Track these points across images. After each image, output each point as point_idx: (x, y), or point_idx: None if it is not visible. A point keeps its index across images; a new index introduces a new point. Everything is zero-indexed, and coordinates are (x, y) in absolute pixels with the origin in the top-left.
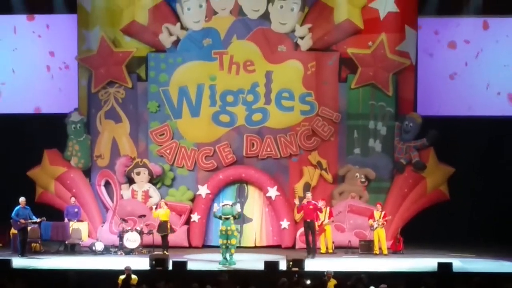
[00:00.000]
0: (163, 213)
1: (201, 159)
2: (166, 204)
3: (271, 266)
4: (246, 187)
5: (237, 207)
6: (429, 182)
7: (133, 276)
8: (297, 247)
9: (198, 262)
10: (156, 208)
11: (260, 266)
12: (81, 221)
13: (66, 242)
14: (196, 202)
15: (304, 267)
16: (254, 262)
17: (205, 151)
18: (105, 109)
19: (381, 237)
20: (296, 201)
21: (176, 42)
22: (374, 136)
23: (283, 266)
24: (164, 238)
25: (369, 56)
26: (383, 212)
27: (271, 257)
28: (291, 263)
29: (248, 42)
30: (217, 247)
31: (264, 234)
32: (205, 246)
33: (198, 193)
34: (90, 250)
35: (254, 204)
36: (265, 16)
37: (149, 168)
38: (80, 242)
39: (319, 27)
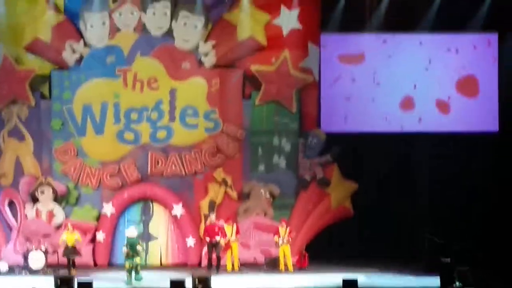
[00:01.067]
0: (69, 237)
1: (105, 177)
2: (70, 226)
3: (177, 284)
4: (151, 205)
5: (139, 247)
6: (333, 198)
7: None
8: (203, 265)
9: (103, 281)
10: (62, 227)
11: (166, 285)
12: None
13: None
14: (101, 221)
15: (211, 285)
16: (160, 280)
17: (109, 169)
18: (8, 127)
19: (286, 254)
20: (202, 224)
21: (79, 60)
22: (278, 153)
23: (189, 284)
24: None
25: (272, 73)
26: (288, 229)
27: (177, 275)
28: (197, 280)
29: (152, 59)
30: (123, 265)
31: (170, 252)
32: (111, 265)
33: (103, 211)
34: None
35: (159, 222)
36: (169, 33)
37: (53, 187)
38: None
39: (222, 44)
